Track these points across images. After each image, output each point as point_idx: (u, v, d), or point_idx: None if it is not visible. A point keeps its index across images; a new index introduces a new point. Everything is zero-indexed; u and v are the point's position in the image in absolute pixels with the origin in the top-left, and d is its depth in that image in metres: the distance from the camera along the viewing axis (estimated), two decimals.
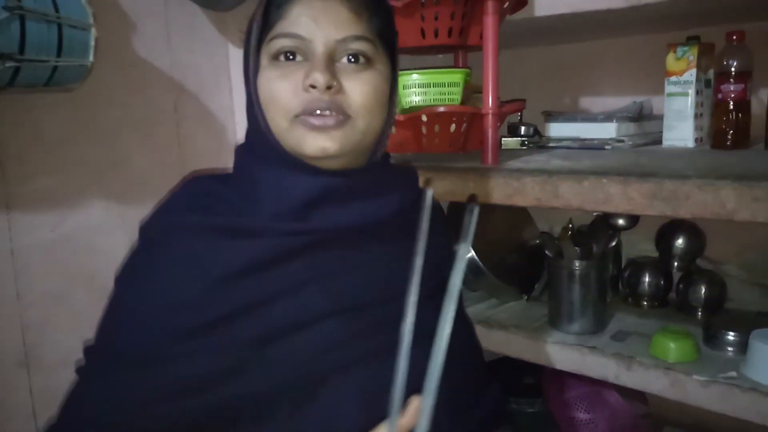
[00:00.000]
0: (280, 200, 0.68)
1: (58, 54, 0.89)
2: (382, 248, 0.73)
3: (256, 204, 0.68)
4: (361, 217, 0.71)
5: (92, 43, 0.93)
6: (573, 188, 0.88)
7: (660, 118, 1.38)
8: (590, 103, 1.63)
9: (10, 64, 0.82)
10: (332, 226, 0.69)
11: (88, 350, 0.71)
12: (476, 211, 0.61)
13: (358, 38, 0.66)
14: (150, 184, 1.17)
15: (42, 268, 1.03)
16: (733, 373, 0.95)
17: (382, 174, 0.75)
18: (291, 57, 0.67)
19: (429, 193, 0.63)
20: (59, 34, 0.89)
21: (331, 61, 0.66)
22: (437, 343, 0.59)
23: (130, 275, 0.70)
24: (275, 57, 0.67)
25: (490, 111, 1.04)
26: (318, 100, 0.65)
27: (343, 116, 0.66)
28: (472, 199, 0.64)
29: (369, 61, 0.68)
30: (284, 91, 0.66)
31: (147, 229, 0.72)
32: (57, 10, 0.89)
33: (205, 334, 0.64)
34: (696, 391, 0.96)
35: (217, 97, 1.29)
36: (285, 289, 0.67)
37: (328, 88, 0.64)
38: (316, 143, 0.66)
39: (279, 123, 0.67)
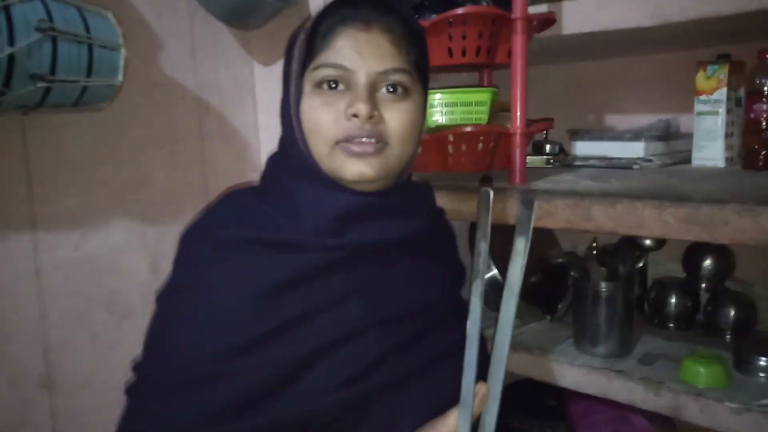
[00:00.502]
0: (320, 215, 0.71)
1: (88, 74, 0.89)
2: (409, 263, 0.77)
3: (296, 219, 0.71)
4: (393, 232, 0.74)
5: (121, 63, 0.93)
6: (605, 211, 0.86)
7: (687, 136, 1.36)
8: (614, 120, 1.61)
9: (41, 84, 0.82)
10: (368, 241, 0.72)
11: (138, 368, 0.73)
12: (535, 204, 0.64)
13: (397, 70, 0.70)
14: (173, 204, 1.16)
15: (64, 288, 1.02)
16: (767, 401, 0.93)
17: (409, 193, 0.79)
18: (334, 86, 0.70)
19: (490, 194, 0.64)
20: (89, 55, 0.89)
21: (372, 92, 0.69)
22: (501, 330, 0.66)
23: (178, 291, 0.72)
24: (318, 85, 0.70)
25: (518, 131, 1.03)
26: (359, 129, 0.68)
27: (382, 144, 0.70)
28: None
29: (406, 92, 0.72)
30: (327, 119, 0.69)
31: (191, 244, 0.74)
32: (88, 30, 0.89)
33: (255, 349, 0.66)
34: (728, 419, 0.93)
35: (241, 115, 1.29)
36: (328, 302, 0.70)
37: (370, 117, 0.68)
38: (355, 168, 0.69)
39: (320, 149, 0.71)
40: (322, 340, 0.68)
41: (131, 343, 1.08)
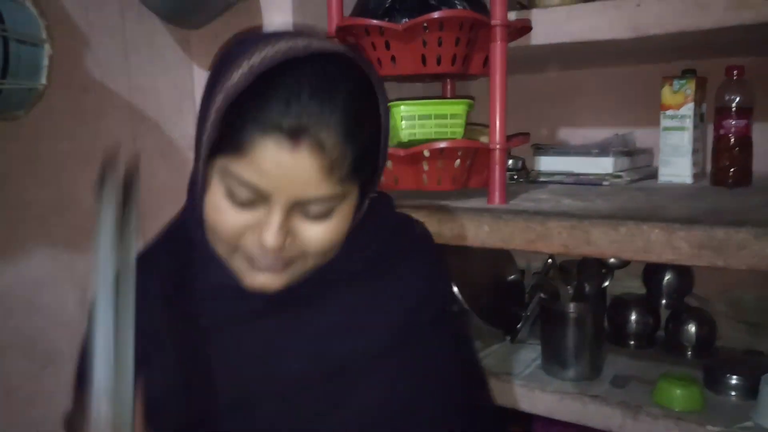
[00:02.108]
0: (222, 284, 0.64)
1: (3, 75, 0.74)
2: (349, 297, 0.69)
3: (197, 284, 0.66)
4: (314, 288, 0.66)
5: (45, 62, 0.78)
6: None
7: (647, 151, 1.36)
8: (568, 134, 1.58)
9: None
10: (277, 304, 0.65)
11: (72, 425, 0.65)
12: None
13: (325, 199, 0.58)
14: None
15: None
16: (750, 423, 0.92)
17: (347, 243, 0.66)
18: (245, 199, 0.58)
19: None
20: (5, 51, 0.73)
21: (288, 214, 0.58)
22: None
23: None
24: (226, 189, 0.58)
25: (498, 146, 0.96)
26: (265, 256, 0.59)
27: (295, 258, 0.61)
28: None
29: (333, 210, 0.60)
30: (230, 228, 0.59)
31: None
32: (2, 20, 0.73)
33: (179, 399, 0.62)
34: None
35: (180, 125, 1.14)
36: (229, 364, 0.64)
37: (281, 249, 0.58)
38: (257, 280, 0.61)
39: (218, 248, 0.62)
40: (250, 393, 0.64)
41: (56, 395, 0.92)
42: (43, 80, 0.79)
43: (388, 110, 0.63)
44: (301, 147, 0.54)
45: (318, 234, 0.59)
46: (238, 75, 0.55)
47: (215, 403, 0.64)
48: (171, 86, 1.12)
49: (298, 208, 0.57)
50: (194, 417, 0.63)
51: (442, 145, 0.95)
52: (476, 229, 0.90)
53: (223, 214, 0.58)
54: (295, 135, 0.54)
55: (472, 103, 1.01)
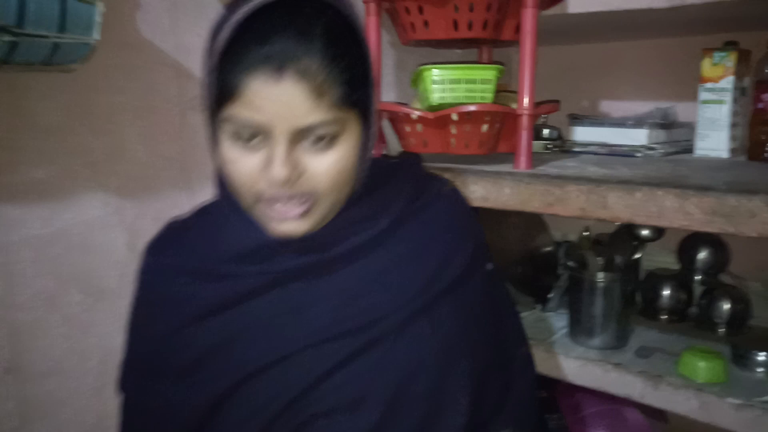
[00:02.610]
0: (246, 245, 0.69)
1: (61, 29, 0.80)
2: (360, 270, 0.71)
3: (223, 247, 0.70)
4: (335, 250, 0.70)
5: (98, 18, 0.84)
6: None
7: (686, 125, 1.33)
8: (608, 107, 1.57)
9: (7, 38, 0.73)
10: (302, 265, 0.69)
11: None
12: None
13: (320, 124, 0.61)
14: (150, 178, 1.08)
15: (32, 266, 0.94)
16: None
17: (367, 201, 0.72)
18: (249, 138, 0.63)
19: None
20: (62, 7, 0.79)
21: (292, 146, 0.62)
22: None
23: (130, 312, 0.77)
24: (232, 136, 0.63)
25: (526, 112, 0.97)
26: (279, 191, 0.63)
27: (309, 198, 0.65)
28: None
29: (335, 137, 0.64)
30: (243, 176, 0.64)
31: (138, 270, 0.77)
32: None
33: (181, 374, 0.69)
34: (728, 414, 0.91)
35: None
36: (256, 325, 0.68)
37: (290, 179, 0.62)
38: (281, 228, 0.65)
39: (243, 198, 0.66)
40: (250, 362, 0.67)
41: (106, 325, 1.01)
42: (97, 36, 0.84)
43: (367, 46, 0.66)
44: (285, 76, 0.58)
45: (324, 165, 0.63)
46: (222, 36, 0.61)
47: (251, 365, 0.67)
48: None
49: (299, 138, 0.61)
50: (230, 380, 0.67)
51: (470, 108, 0.97)
52: (498, 191, 0.93)
53: (235, 163, 0.63)
54: (277, 66, 0.58)
55: (503, 68, 1.03)
